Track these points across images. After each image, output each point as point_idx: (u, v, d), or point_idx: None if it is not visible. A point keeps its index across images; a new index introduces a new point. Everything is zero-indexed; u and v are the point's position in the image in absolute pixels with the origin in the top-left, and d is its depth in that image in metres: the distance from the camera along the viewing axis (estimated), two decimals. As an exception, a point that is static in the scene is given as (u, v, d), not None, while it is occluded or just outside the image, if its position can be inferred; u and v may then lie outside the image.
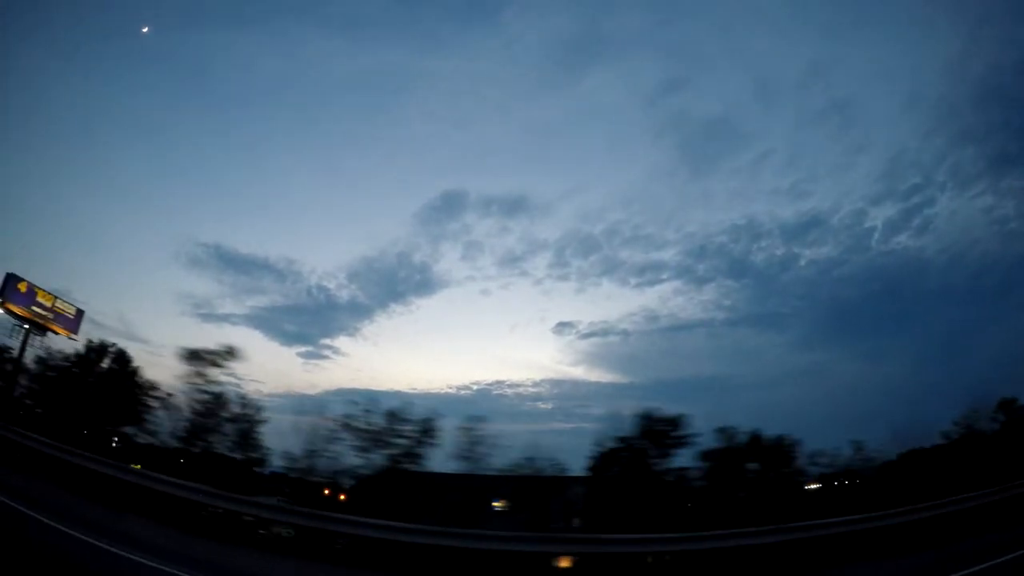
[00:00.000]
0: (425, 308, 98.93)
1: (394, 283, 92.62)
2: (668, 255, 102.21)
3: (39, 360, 31.27)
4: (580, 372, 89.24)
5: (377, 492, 22.07)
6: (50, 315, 34.53)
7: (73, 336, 36.19)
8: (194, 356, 26.12)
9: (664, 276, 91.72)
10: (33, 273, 31.97)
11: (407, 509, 19.58)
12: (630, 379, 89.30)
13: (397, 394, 66.49)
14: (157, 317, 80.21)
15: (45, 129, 77.88)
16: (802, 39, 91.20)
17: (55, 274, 75.54)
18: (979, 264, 74.17)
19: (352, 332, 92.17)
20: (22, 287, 32.88)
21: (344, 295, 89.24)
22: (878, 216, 79.50)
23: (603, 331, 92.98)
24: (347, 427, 23.28)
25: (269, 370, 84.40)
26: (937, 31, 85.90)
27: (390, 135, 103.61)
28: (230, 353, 26.65)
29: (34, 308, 33.50)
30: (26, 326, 33.66)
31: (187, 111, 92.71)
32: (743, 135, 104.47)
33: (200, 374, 25.27)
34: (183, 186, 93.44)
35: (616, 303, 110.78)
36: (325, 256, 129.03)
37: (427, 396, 70.40)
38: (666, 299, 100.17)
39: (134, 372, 29.58)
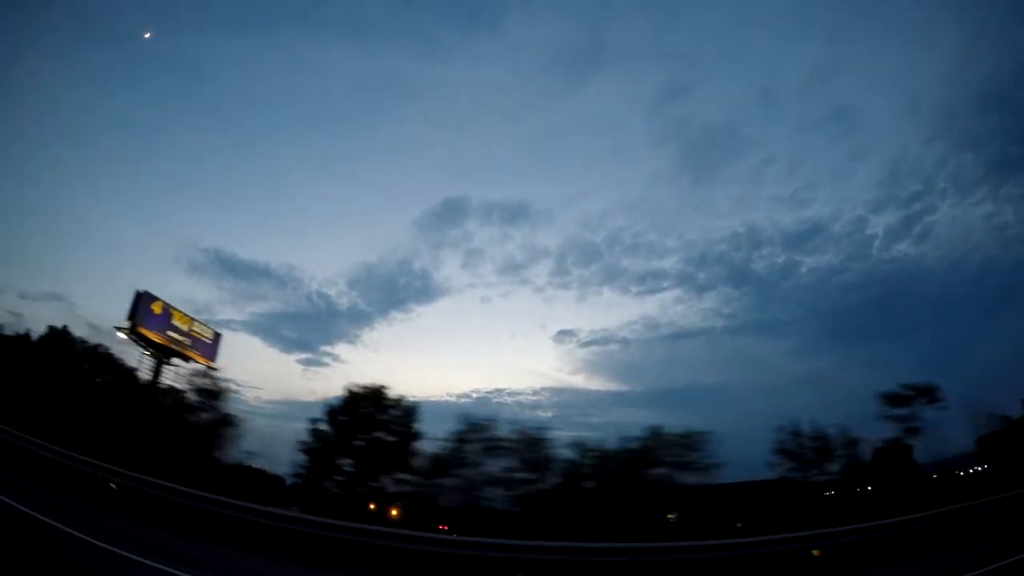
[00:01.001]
0: (425, 315, 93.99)
1: (395, 290, 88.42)
2: (669, 263, 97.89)
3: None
4: (580, 380, 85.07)
5: (548, 508, 20.77)
6: (187, 340, 28.79)
7: (212, 365, 30.28)
8: None
9: (665, 284, 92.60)
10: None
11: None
12: (630, 387, 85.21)
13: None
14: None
15: (47, 133, 78.87)
16: (803, 46, 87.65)
17: (55, 277, 77.86)
18: (979, 270, 72.41)
19: (352, 339, 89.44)
20: (156, 308, 27.12)
21: (344, 302, 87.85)
22: (879, 223, 78.04)
23: (603, 339, 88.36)
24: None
25: (268, 376, 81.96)
26: (937, 37, 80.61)
27: (392, 141, 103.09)
28: None
29: (169, 333, 27.69)
30: (149, 352, 27.24)
31: (189, 116, 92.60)
32: (744, 142, 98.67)
33: None
34: (184, 191, 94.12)
35: (616, 311, 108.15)
36: (326, 263, 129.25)
37: (427, 404, 65.75)
38: (667, 307, 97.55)
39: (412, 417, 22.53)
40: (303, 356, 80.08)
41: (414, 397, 23.77)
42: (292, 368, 75.60)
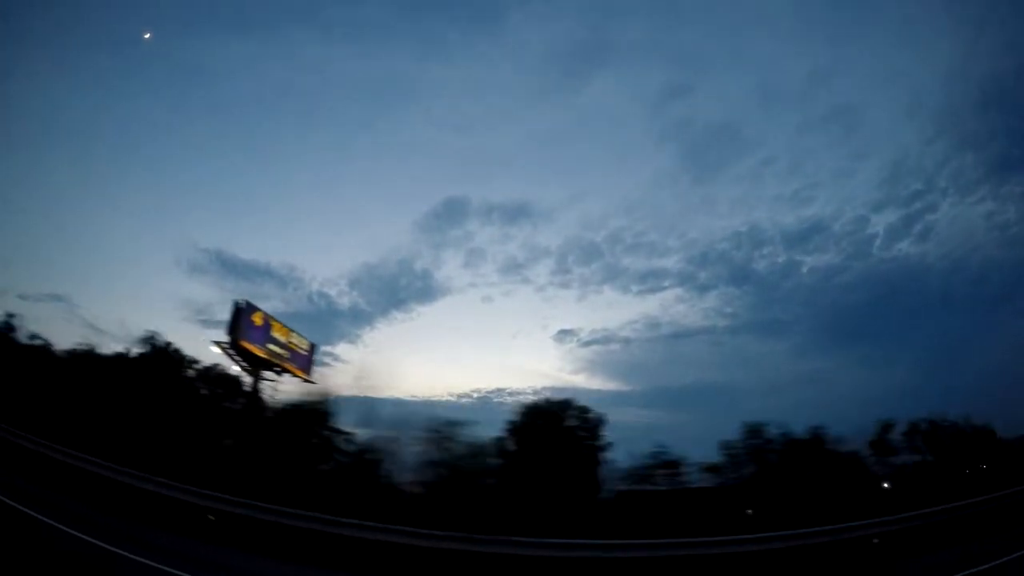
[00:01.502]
0: (427, 315, 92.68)
1: (395, 290, 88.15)
2: (670, 262, 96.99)
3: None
4: (581, 380, 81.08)
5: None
6: (286, 353, 26.65)
7: (308, 378, 28.08)
8: None
9: (666, 283, 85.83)
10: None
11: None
12: (631, 387, 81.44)
13: (397, 402, 65.31)
14: (158, 323, 78.48)
15: (45, 133, 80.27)
16: (804, 46, 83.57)
17: (54, 279, 75.82)
18: (980, 270, 69.64)
19: (353, 339, 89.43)
20: (257, 319, 25.01)
21: (345, 302, 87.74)
22: (879, 223, 73.26)
23: (604, 339, 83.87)
24: None
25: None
26: (937, 37, 76.17)
27: (392, 141, 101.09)
28: None
29: (270, 346, 25.59)
30: (245, 367, 24.82)
31: (188, 116, 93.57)
32: (746, 142, 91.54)
33: None
34: (184, 191, 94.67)
35: (617, 310, 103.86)
36: (326, 263, 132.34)
37: (427, 404, 67.56)
38: (668, 306, 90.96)
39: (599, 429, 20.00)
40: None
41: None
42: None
